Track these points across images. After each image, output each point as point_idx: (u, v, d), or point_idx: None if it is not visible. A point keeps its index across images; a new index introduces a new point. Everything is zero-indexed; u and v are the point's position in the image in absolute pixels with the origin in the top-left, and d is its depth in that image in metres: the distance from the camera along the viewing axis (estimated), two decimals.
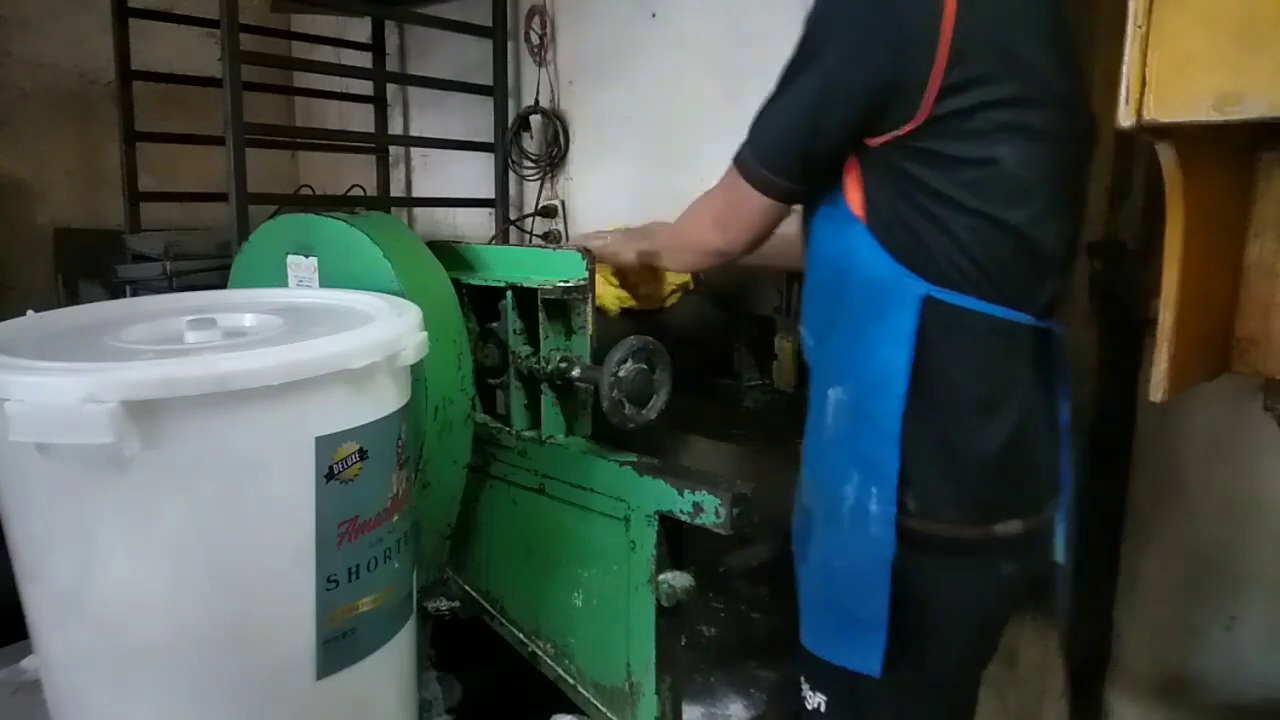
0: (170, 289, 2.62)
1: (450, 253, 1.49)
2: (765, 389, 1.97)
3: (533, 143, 2.97)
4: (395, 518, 1.07)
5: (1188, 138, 1.01)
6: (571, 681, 1.41)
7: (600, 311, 1.50)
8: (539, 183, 2.98)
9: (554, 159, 2.91)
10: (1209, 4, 0.89)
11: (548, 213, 2.98)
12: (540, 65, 2.90)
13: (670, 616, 1.26)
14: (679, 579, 1.23)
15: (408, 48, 3.49)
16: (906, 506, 1.05)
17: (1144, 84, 0.93)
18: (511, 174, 3.03)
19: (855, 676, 1.10)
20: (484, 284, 1.44)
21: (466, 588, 1.59)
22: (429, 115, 3.42)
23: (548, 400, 1.39)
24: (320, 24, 3.56)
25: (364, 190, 3.46)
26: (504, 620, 1.54)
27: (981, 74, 0.98)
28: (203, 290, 1.43)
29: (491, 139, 2.98)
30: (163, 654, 0.94)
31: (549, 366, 1.35)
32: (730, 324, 2.03)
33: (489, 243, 2.35)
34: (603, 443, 1.39)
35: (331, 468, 0.96)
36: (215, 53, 2.46)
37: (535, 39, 2.89)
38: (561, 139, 2.88)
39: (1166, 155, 1.02)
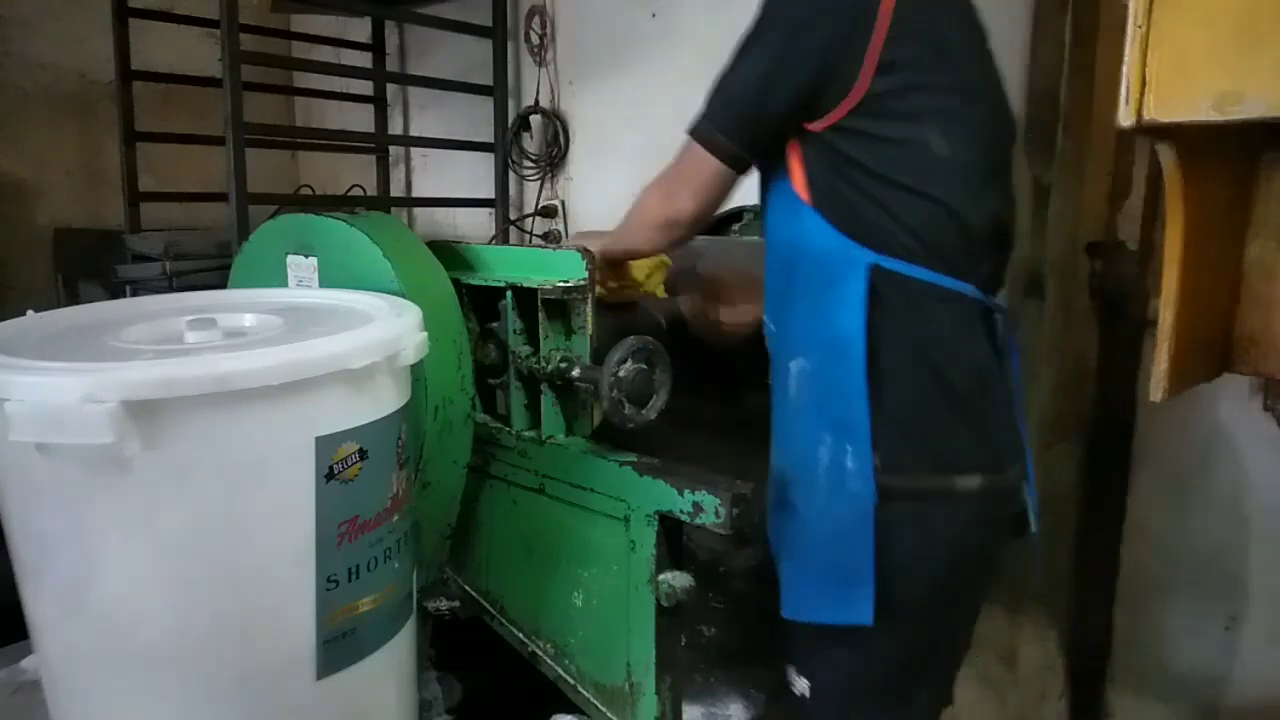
0: (170, 289, 2.62)
1: (450, 253, 1.49)
2: (765, 389, 1.97)
3: (533, 143, 2.97)
4: (395, 518, 1.07)
5: (1188, 138, 1.01)
6: (571, 681, 1.41)
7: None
8: (539, 183, 2.98)
9: (554, 159, 2.92)
10: (1209, 4, 0.89)
11: (548, 213, 2.98)
12: (540, 65, 2.90)
13: (670, 616, 1.26)
14: (679, 579, 1.23)
15: (408, 48, 3.49)
16: (873, 462, 1.11)
17: (1144, 84, 0.93)
18: (511, 174, 3.03)
19: (840, 642, 1.15)
20: (484, 284, 1.43)
21: (466, 588, 1.59)
22: (429, 115, 3.42)
23: (548, 400, 1.39)
24: (320, 24, 3.56)
25: (364, 190, 3.46)
26: (504, 620, 1.54)
27: (914, 56, 1.08)
28: (203, 290, 1.43)
29: (491, 139, 2.98)
30: (162, 654, 0.93)
31: (549, 366, 1.35)
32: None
33: (489, 243, 2.34)
34: (603, 443, 1.39)
35: (331, 468, 0.96)
36: (215, 53, 2.47)
37: (535, 39, 2.89)
38: (561, 139, 2.88)
39: (1166, 155, 1.03)
